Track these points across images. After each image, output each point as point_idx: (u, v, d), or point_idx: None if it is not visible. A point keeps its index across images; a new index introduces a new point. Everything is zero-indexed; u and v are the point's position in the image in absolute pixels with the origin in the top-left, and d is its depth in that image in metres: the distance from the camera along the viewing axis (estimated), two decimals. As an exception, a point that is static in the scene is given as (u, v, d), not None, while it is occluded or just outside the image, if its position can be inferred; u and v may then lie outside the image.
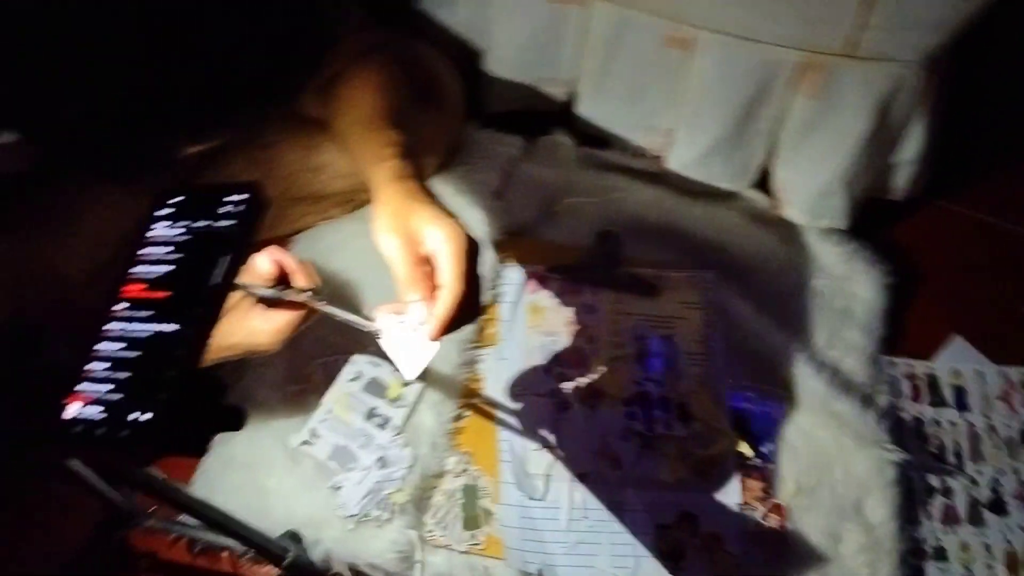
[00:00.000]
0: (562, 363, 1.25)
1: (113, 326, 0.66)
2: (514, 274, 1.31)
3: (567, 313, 1.29)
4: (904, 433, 1.24)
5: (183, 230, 0.70)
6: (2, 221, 0.93)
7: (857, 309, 1.30)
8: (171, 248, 0.69)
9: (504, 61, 1.36)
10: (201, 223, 0.70)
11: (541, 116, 1.42)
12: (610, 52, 1.28)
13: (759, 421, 1.23)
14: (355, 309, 1.13)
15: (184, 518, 1.11)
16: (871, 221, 1.36)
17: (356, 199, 1.30)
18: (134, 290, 0.68)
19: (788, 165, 1.32)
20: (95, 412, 0.59)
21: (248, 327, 0.91)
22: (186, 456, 0.66)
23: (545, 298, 1.30)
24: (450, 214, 0.80)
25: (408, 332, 0.82)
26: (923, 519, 1.18)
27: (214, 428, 0.66)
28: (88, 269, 0.94)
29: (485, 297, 0.83)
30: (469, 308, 0.79)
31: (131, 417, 0.58)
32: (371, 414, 1.18)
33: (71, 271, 0.94)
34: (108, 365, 0.63)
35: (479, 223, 1.29)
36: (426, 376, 1.21)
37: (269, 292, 0.87)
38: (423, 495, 1.16)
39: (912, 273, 1.37)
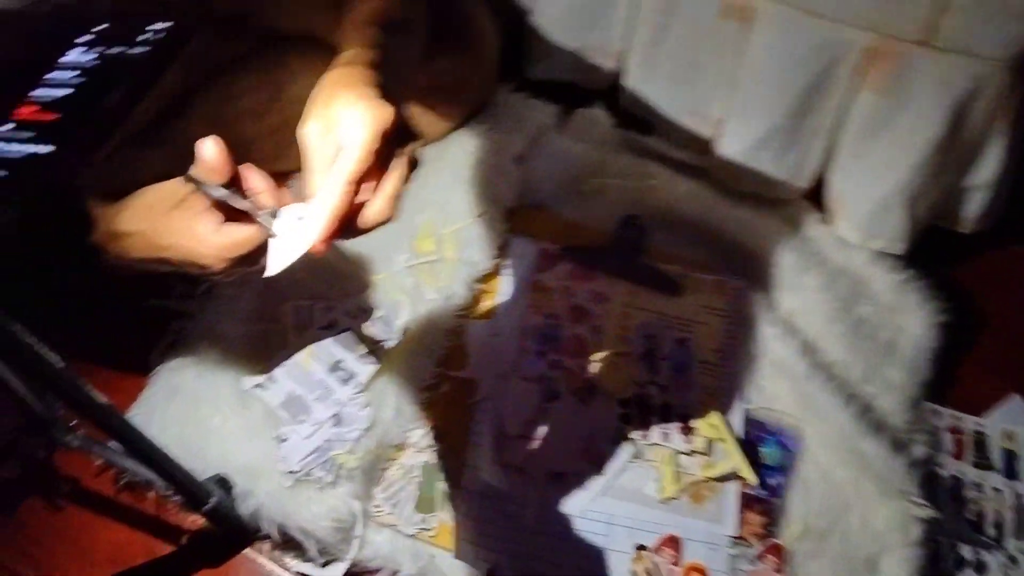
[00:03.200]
0: (559, 350, 1.12)
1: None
2: (524, 248, 1.19)
3: (574, 298, 1.16)
4: (938, 491, 1.08)
5: (95, 55, 0.60)
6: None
7: (903, 345, 1.14)
8: (77, 73, 0.60)
9: (550, 21, 1.26)
10: (115, 49, 0.60)
11: (582, 91, 1.31)
12: (663, 21, 1.16)
13: (770, 449, 1.08)
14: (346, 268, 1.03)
15: (111, 444, 1.00)
16: (931, 250, 1.20)
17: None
18: (25, 112, 0.59)
19: (845, 173, 1.18)
20: None
21: (191, 231, 0.78)
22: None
23: (553, 278, 1.17)
24: (386, 97, 0.66)
25: (293, 223, 0.68)
26: (947, 592, 1.01)
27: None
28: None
29: (399, 204, 0.69)
30: (371, 211, 0.66)
31: None
32: (336, 366, 1.07)
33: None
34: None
35: (493, 185, 1.18)
36: (405, 332, 1.09)
37: (219, 192, 0.75)
38: (376, 465, 1.04)
39: (971, 315, 1.20)
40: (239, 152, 0.68)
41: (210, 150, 0.73)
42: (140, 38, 0.60)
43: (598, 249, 1.19)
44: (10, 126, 0.57)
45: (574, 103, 1.29)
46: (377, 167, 0.67)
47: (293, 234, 0.67)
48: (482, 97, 1.24)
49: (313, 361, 1.07)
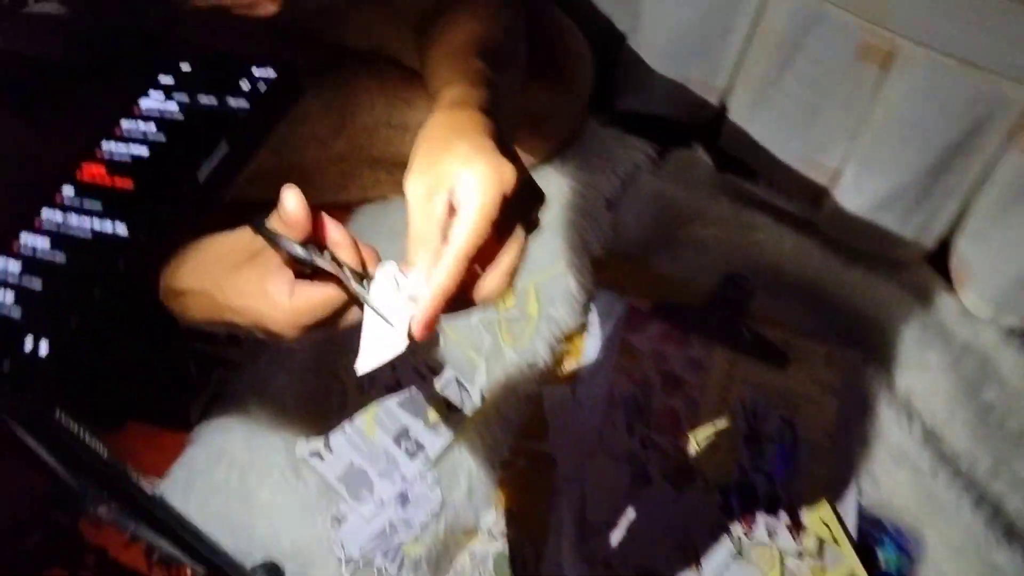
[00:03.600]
0: (650, 424, 0.99)
1: (48, 215, 0.44)
2: (612, 304, 1.05)
3: (667, 364, 1.03)
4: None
5: (179, 106, 0.47)
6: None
7: (1036, 436, 1.01)
8: (156, 126, 0.47)
9: (651, 49, 1.13)
10: (204, 99, 0.47)
11: (676, 128, 1.18)
12: (786, 55, 1.03)
13: (888, 553, 0.95)
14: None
15: (146, 516, 0.88)
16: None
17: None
18: (92, 172, 0.46)
19: (978, 239, 1.04)
20: None
21: (262, 292, 0.65)
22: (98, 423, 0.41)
23: (644, 340, 1.04)
24: (504, 151, 0.55)
25: (390, 295, 0.57)
26: None
27: (141, 395, 0.42)
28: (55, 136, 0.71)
29: (517, 277, 0.58)
30: (486, 287, 0.56)
31: (24, 344, 0.39)
32: (402, 435, 0.94)
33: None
34: (20, 266, 0.41)
35: (581, 231, 1.05)
36: (481, 398, 0.96)
37: (301, 251, 0.63)
38: (444, 554, 0.91)
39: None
40: (299, 181, 0.56)
41: (292, 202, 0.60)
42: (235, 87, 0.47)
43: (695, 309, 1.06)
44: (71, 191, 0.45)
45: (665, 141, 1.16)
46: (495, 237, 0.54)
47: (391, 310, 0.56)
48: (571, 130, 1.10)
49: (377, 428, 0.94)
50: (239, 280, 0.63)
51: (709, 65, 1.11)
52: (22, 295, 0.40)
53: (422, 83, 0.85)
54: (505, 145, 0.58)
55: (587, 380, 1.01)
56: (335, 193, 1.08)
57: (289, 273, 0.64)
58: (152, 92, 0.48)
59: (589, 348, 1.03)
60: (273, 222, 0.62)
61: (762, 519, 0.95)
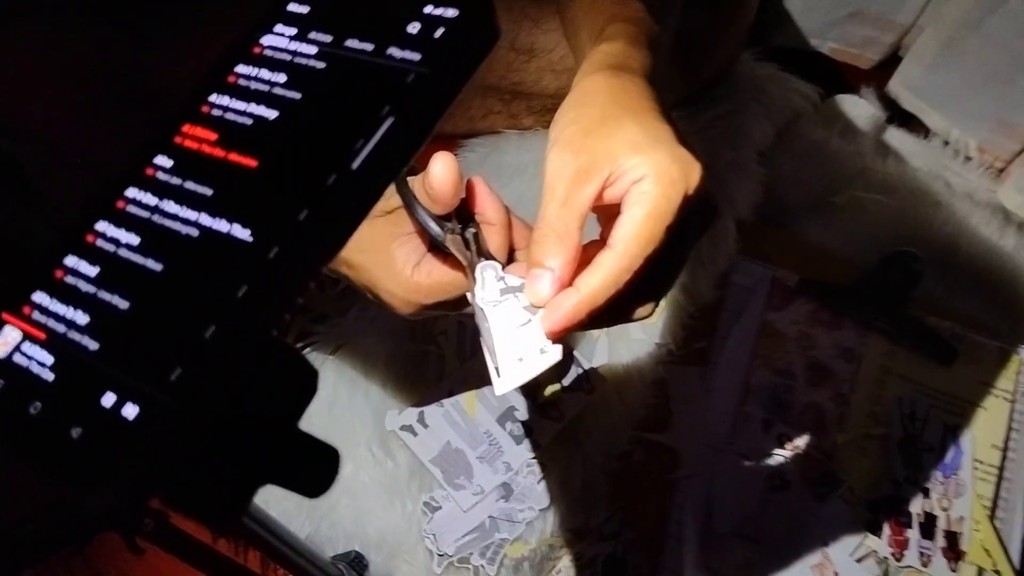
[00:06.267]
0: (790, 421, 0.86)
1: (135, 195, 0.31)
2: (754, 275, 0.90)
3: (814, 351, 0.88)
4: None
5: (318, 48, 0.33)
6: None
7: None
8: (287, 78, 0.32)
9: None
10: (355, 44, 0.32)
11: (841, 69, 1.00)
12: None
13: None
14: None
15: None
16: None
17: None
18: (195, 138, 0.32)
19: None
20: (37, 365, 0.27)
21: (389, 255, 0.55)
22: (192, 517, 0.28)
23: (789, 321, 0.89)
24: (681, 144, 0.44)
25: (521, 312, 0.47)
26: None
27: (263, 471, 0.29)
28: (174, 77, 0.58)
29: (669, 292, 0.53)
30: (636, 300, 0.47)
31: (102, 402, 0.25)
32: (508, 416, 0.81)
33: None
34: (96, 272, 0.28)
35: (726, 187, 0.89)
36: (600, 380, 0.83)
37: (435, 227, 0.50)
38: (549, 555, 0.79)
39: None
40: None
41: (440, 173, 0.48)
42: (407, 31, 0.32)
43: (850, 288, 0.91)
44: (166, 163, 0.31)
45: (828, 84, 0.98)
46: (663, 248, 0.43)
47: (528, 325, 0.46)
48: (726, 62, 0.93)
49: (479, 405, 0.82)
50: (364, 232, 0.51)
51: (894, -2, 0.93)
52: (99, 325, 0.28)
53: (554, 2, 0.70)
54: (683, 134, 0.45)
55: (719, 365, 0.87)
56: (476, 123, 0.94)
57: (420, 243, 0.53)
58: (280, 27, 0.33)
59: (724, 327, 0.89)
60: (415, 186, 0.50)
61: (915, 541, 0.82)
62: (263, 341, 0.27)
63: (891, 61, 0.98)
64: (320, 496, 0.30)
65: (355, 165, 0.28)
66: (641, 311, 0.47)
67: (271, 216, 0.28)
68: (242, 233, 0.27)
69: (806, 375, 0.88)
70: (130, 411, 0.25)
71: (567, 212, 0.44)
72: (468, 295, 0.50)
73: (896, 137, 0.97)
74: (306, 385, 0.29)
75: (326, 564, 0.72)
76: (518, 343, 0.47)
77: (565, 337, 0.46)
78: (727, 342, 0.88)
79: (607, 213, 0.45)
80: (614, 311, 0.45)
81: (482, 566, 0.77)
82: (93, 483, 0.25)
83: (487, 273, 0.49)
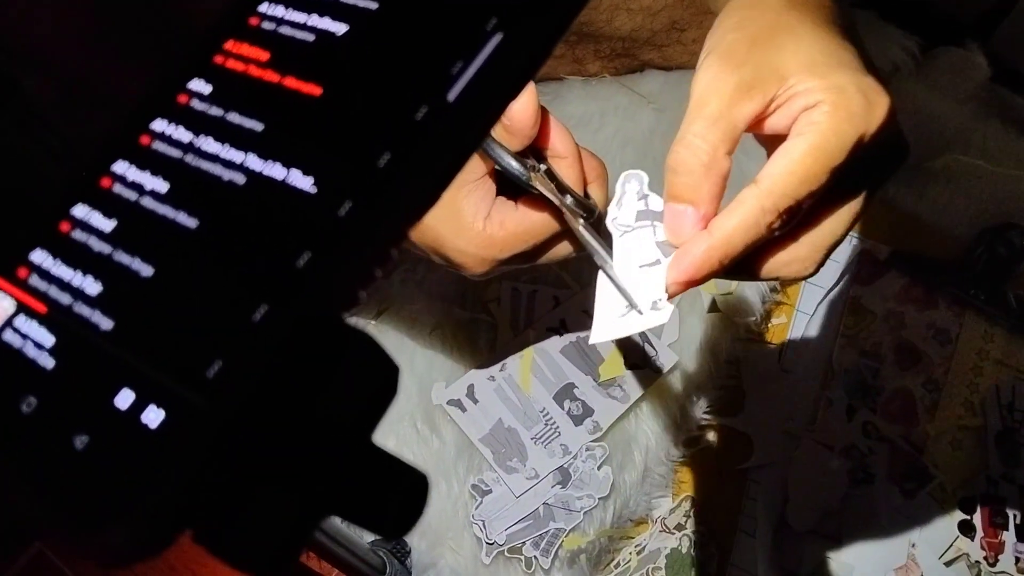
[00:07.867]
0: (877, 408, 0.78)
1: (164, 128, 0.23)
2: (840, 247, 0.82)
3: (905, 330, 0.80)
4: None
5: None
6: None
7: None
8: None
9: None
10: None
11: (945, 20, 0.90)
12: None
13: None
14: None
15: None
16: None
17: (639, 58, 0.82)
18: (242, 57, 0.24)
19: None
20: (33, 346, 0.20)
21: (456, 208, 0.49)
22: (231, 563, 0.20)
23: (878, 298, 0.81)
24: (868, 71, 0.37)
25: (652, 247, 0.40)
26: None
27: (326, 500, 0.21)
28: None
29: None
30: (787, 253, 0.40)
31: (114, 402, 0.18)
32: (566, 394, 0.74)
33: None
34: (113, 227, 0.20)
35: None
36: (665, 362, 0.75)
37: (516, 165, 0.43)
38: (608, 547, 0.72)
39: None
40: None
41: (526, 116, 0.41)
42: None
43: (946, 263, 0.82)
44: (205, 89, 0.23)
45: (931, 36, 0.88)
46: (825, 192, 0.37)
47: (651, 268, 0.40)
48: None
49: (534, 380, 0.74)
50: None
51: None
52: (115, 294, 0.20)
53: None
54: (870, 59, 0.39)
55: (800, 344, 0.79)
56: (601, 25, 0.85)
57: (491, 188, 0.48)
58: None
59: (806, 302, 0.81)
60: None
61: (1011, 545, 0.75)
62: (330, 326, 0.20)
63: (1000, 12, 0.88)
64: (402, 535, 0.23)
65: (452, 96, 0.20)
66: (795, 267, 0.40)
67: (341, 161, 0.20)
68: (303, 182, 0.20)
69: (895, 357, 0.79)
70: (152, 416, 0.18)
71: (716, 132, 0.36)
72: (576, 228, 0.44)
73: (1002, 96, 0.88)
74: (386, 385, 0.21)
75: (365, 551, 0.66)
76: (635, 287, 0.40)
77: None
78: (809, 319, 0.80)
79: (771, 146, 0.38)
80: (758, 262, 0.39)
81: (535, 557, 0.70)
82: (100, 514, 0.18)
83: (629, 185, 0.41)
